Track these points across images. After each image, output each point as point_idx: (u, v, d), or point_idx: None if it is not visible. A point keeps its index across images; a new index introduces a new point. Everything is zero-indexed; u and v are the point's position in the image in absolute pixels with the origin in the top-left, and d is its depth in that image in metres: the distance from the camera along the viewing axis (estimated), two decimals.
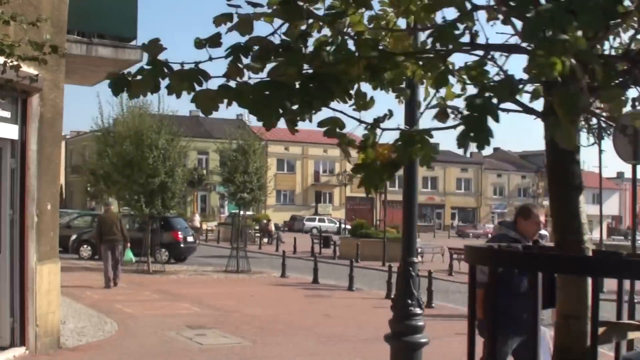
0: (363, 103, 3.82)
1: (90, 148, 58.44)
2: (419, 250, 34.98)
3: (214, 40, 3.53)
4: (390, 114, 3.76)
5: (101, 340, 12.61)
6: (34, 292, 10.79)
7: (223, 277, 25.94)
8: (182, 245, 31.21)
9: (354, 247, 36.16)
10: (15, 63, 6.73)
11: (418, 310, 8.47)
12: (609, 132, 26.33)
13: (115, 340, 12.72)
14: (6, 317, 10.68)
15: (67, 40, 10.88)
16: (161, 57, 3.43)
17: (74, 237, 31.48)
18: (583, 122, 26.77)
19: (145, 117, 25.67)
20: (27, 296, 10.76)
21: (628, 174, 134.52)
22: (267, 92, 3.33)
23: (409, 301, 8.49)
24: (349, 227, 78.36)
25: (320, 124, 3.67)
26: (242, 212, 29.59)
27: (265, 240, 49.80)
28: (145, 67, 3.43)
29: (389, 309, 18.93)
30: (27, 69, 8.08)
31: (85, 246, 31.16)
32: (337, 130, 3.72)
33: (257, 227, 50.50)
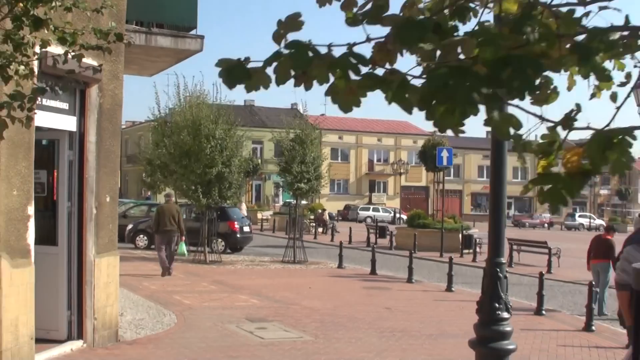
0: (544, 95, 3.08)
1: (146, 138, 58.86)
2: (477, 240, 34.59)
3: (375, 15, 2.82)
4: (578, 109, 2.89)
5: (160, 333, 12.43)
6: (92, 285, 10.65)
7: (280, 268, 25.74)
8: (238, 236, 31.06)
9: (411, 238, 35.66)
10: (77, 52, 6.44)
11: (506, 315, 7.83)
12: None
13: (174, 333, 12.52)
14: (64, 310, 10.54)
15: (126, 30, 10.67)
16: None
17: (130, 226, 31.54)
18: None
19: (203, 107, 25.51)
20: (85, 289, 10.62)
21: None
22: (448, 82, 2.54)
23: (497, 305, 7.83)
24: (403, 216, 78.19)
25: (488, 122, 2.69)
26: (298, 202, 29.27)
27: (320, 230, 49.53)
28: (284, 50, 2.71)
29: (450, 302, 18.69)
30: (86, 59, 7.84)
31: (141, 236, 31.23)
32: (512, 130, 2.73)
33: (312, 217, 50.22)
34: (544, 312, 17.09)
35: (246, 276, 22.53)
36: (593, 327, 15.10)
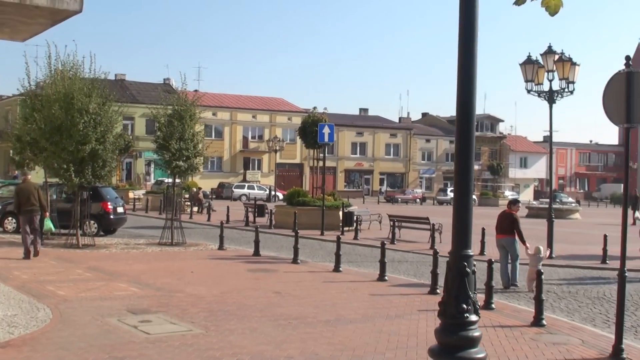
0: None
1: (15, 112, 55.91)
2: (356, 217, 34.13)
3: None
4: None
5: (35, 332, 11.12)
6: None
7: (158, 251, 24.44)
8: (112, 217, 29.46)
9: (291, 216, 34.90)
10: None
11: (474, 318, 6.67)
12: (560, 96, 25.65)
13: (51, 331, 11.23)
14: None
15: None
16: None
17: None
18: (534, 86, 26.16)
19: (76, 80, 23.83)
20: None
21: (555, 138, 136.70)
22: None
23: (464, 305, 6.63)
24: (279, 194, 77.59)
25: None
26: (174, 181, 27.94)
27: (196, 209, 48.28)
28: None
29: (340, 283, 18.00)
30: None
31: (9, 218, 29.30)
32: None
33: (186, 196, 48.82)
34: (438, 290, 16.56)
35: (123, 261, 21.18)
36: (493, 305, 14.68)
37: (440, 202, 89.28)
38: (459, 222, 6.84)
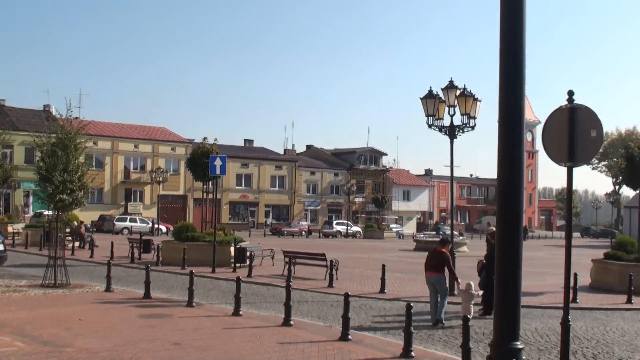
0: None
1: None
2: (249, 253, 32.75)
3: None
4: None
5: None
6: None
7: (41, 294, 22.27)
8: None
9: (180, 252, 33.39)
10: None
11: None
12: (460, 131, 25.11)
13: None
14: None
15: None
16: None
17: None
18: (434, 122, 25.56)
19: None
20: None
21: (436, 172, 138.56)
22: None
23: None
24: (162, 227, 75.31)
25: None
26: (57, 215, 25.89)
27: (77, 244, 45.77)
28: None
29: (243, 329, 16.59)
30: None
31: None
32: None
33: (67, 230, 46.31)
34: (350, 336, 15.40)
35: (4, 307, 19.06)
36: (412, 353, 13.64)
37: (326, 235, 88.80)
38: (504, 301, 5.09)
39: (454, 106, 24.73)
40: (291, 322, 17.23)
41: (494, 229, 20.49)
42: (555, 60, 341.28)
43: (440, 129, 25.17)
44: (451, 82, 24.65)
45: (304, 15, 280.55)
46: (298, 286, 26.55)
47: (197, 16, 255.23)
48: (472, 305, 18.93)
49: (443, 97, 24.83)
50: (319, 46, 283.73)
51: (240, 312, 18.68)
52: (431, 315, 18.88)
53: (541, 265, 43.46)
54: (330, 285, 26.80)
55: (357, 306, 21.69)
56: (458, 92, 24.54)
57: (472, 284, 18.70)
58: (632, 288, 24.52)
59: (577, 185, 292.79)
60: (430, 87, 25.21)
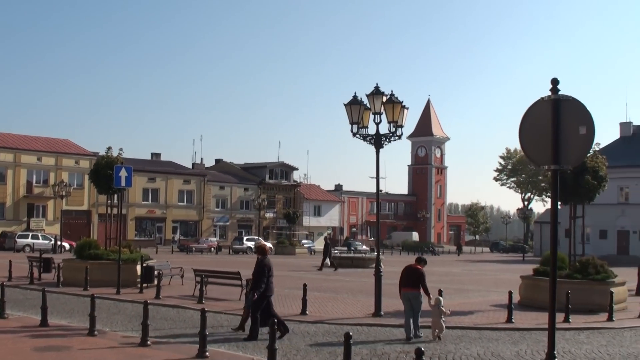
0: None
1: None
2: (157, 272, 30.38)
3: None
4: None
5: None
6: None
7: None
8: None
9: (82, 272, 30.75)
10: None
11: None
12: (387, 140, 23.45)
13: None
14: None
15: None
16: None
17: None
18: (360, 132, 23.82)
19: None
20: None
21: (346, 187, 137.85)
22: None
23: None
24: (65, 244, 71.91)
25: None
26: None
27: None
28: None
29: None
30: None
31: None
32: None
33: None
34: None
35: None
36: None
37: (236, 251, 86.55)
38: None
39: (380, 113, 23.01)
40: (207, 353, 15.13)
41: (262, 241, 19.72)
42: (462, 78, 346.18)
43: (365, 137, 23.43)
44: (377, 87, 22.93)
45: (216, 26, 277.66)
46: (211, 308, 24.33)
47: (102, 25, 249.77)
48: (442, 321, 19.14)
49: (368, 104, 23.10)
50: (229, 59, 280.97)
51: (148, 342, 16.44)
52: (406, 331, 19.13)
53: (461, 282, 42.12)
54: None
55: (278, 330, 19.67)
56: (385, 99, 22.84)
57: (440, 299, 19.31)
58: (570, 306, 23.17)
59: (486, 201, 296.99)
60: (355, 93, 23.46)
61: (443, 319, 19.23)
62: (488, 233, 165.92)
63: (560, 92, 8.24)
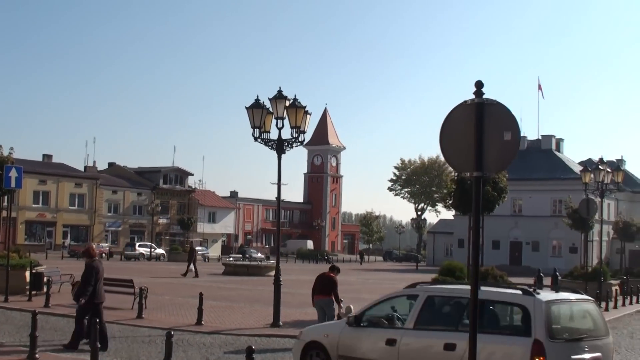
0: None
1: None
2: (47, 279, 29.24)
3: None
4: None
5: None
6: None
7: None
8: None
9: None
10: None
11: None
12: (289, 146, 23.09)
13: None
14: None
15: None
16: None
17: None
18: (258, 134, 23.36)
19: None
20: None
21: (242, 193, 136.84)
22: None
23: None
24: None
25: None
26: None
27: None
28: None
29: None
30: None
31: None
32: None
33: None
34: None
35: None
36: None
37: (128, 258, 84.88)
38: None
39: (282, 118, 22.61)
40: None
41: (92, 245, 19.53)
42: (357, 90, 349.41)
43: (267, 142, 22.99)
44: (280, 91, 22.52)
45: (111, 20, 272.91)
46: (107, 318, 23.51)
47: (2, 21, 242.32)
48: None
49: (271, 108, 22.67)
50: (122, 61, 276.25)
51: (37, 356, 15.57)
52: None
53: (357, 291, 42.05)
54: (140, 316, 24.02)
55: (174, 342, 19.00)
56: (288, 103, 22.45)
57: (351, 307, 18.89)
58: None
59: (380, 210, 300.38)
60: (258, 96, 22.97)
61: None
62: (382, 242, 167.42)
63: (484, 95, 7.99)
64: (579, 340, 11.56)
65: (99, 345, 16.54)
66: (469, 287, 9.65)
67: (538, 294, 11.51)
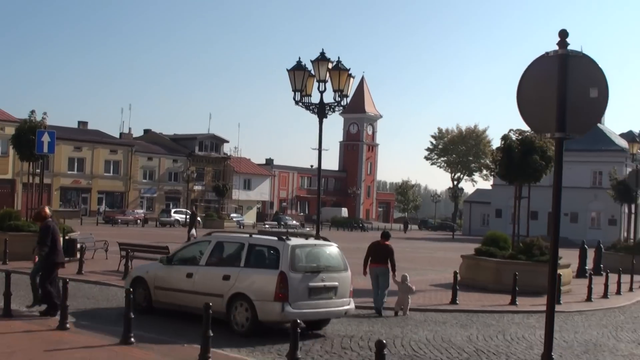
0: None
1: None
2: (80, 245, 28.74)
3: None
4: None
5: None
6: None
7: None
8: None
9: (1, 244, 28.87)
10: None
11: None
12: (331, 110, 22.19)
13: None
14: None
15: None
16: None
17: None
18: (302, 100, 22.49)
19: None
20: None
21: (277, 161, 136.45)
22: None
23: None
24: None
25: None
26: None
27: None
28: None
29: (68, 351, 12.97)
30: None
31: None
32: None
33: None
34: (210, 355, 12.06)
35: None
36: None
37: (163, 224, 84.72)
38: None
39: (324, 81, 21.66)
40: (132, 339, 13.65)
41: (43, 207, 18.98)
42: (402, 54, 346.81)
43: (308, 106, 22.08)
44: (323, 53, 21.58)
45: None
46: None
47: None
48: (409, 298, 20.03)
49: (313, 71, 21.73)
50: (157, 27, 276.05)
51: (67, 325, 14.88)
52: (375, 305, 19.90)
53: (414, 260, 41.18)
54: None
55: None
56: (330, 65, 21.50)
57: (407, 275, 20.34)
58: (517, 288, 22.49)
59: (416, 179, 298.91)
60: (299, 58, 22.01)
61: (410, 295, 19.98)
62: (417, 211, 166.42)
63: (569, 46, 7.00)
64: (317, 272, 15.94)
65: (45, 309, 16.57)
66: (245, 234, 17.86)
67: (289, 239, 16.02)
